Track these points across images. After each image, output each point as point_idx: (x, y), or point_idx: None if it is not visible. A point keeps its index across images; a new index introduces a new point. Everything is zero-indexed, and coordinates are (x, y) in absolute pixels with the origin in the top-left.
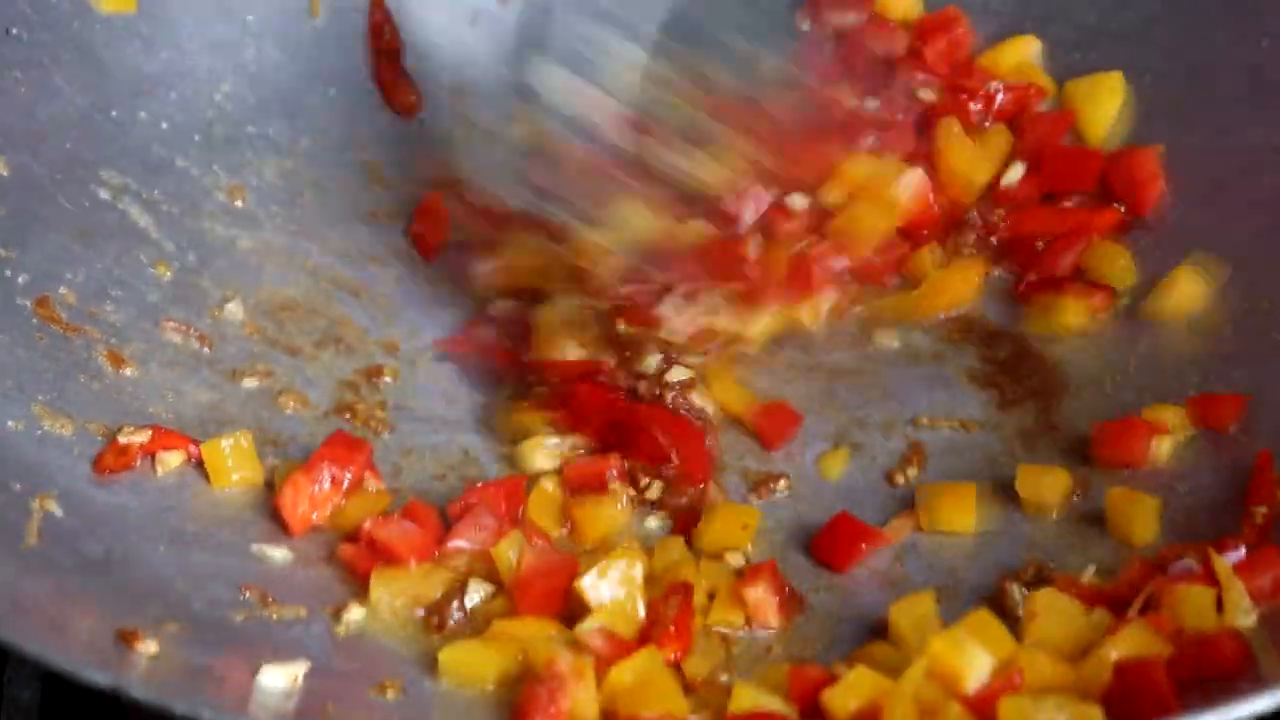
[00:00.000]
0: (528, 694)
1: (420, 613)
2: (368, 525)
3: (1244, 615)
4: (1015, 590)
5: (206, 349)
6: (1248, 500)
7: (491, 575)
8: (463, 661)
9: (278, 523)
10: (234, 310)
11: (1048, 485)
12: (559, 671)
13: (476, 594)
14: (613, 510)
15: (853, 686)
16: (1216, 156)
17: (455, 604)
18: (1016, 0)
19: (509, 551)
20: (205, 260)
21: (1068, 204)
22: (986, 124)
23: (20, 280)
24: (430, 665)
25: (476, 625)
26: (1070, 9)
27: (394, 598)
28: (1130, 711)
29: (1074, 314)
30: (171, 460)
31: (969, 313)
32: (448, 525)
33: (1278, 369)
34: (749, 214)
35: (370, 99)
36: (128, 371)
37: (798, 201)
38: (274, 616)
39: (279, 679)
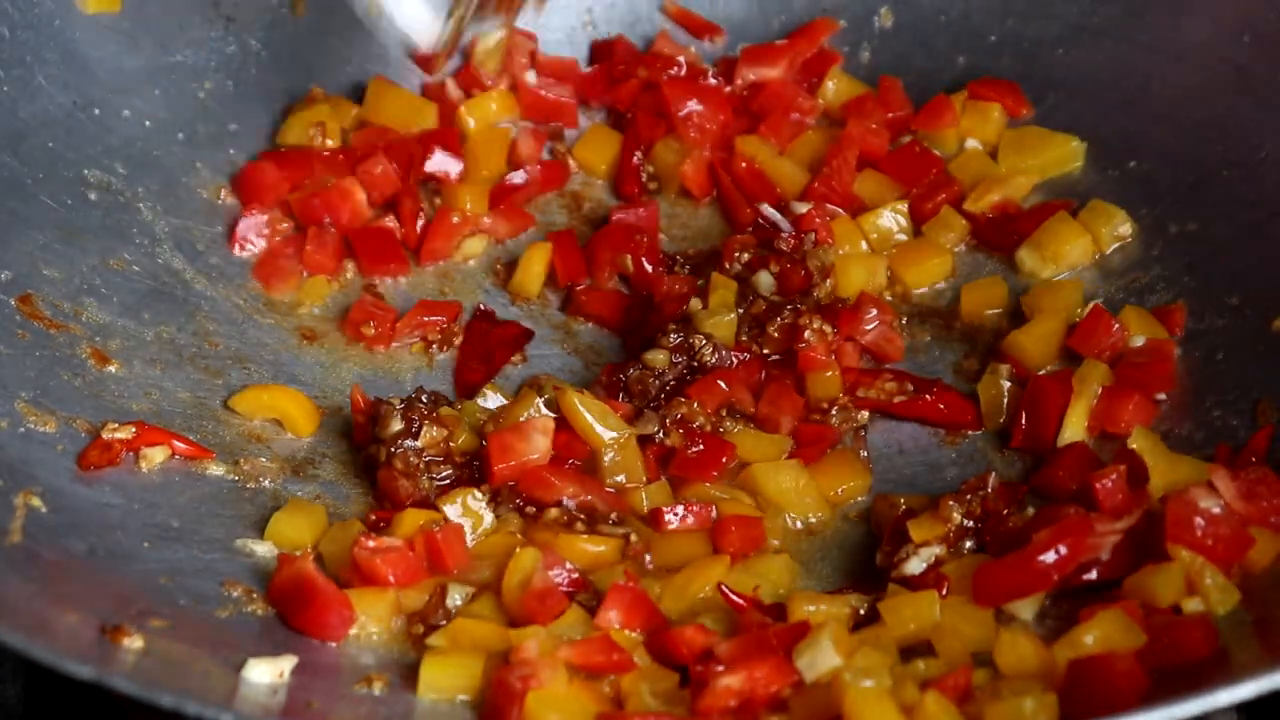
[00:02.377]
0: (498, 681)
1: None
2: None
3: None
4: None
5: (190, 346)
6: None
7: (469, 579)
8: (443, 674)
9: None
10: (218, 306)
11: None
12: (528, 657)
13: (457, 596)
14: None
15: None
16: (1201, 151)
17: (440, 611)
18: (998, 4)
19: (520, 570)
20: (189, 258)
21: None
22: None
23: (3, 277)
24: (416, 655)
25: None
26: (1051, 4)
27: (376, 618)
28: (1090, 704)
29: None
30: (155, 456)
31: None
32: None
33: (1268, 362)
34: None
35: (356, 93)
36: (111, 368)
37: None
38: (258, 612)
39: (265, 673)
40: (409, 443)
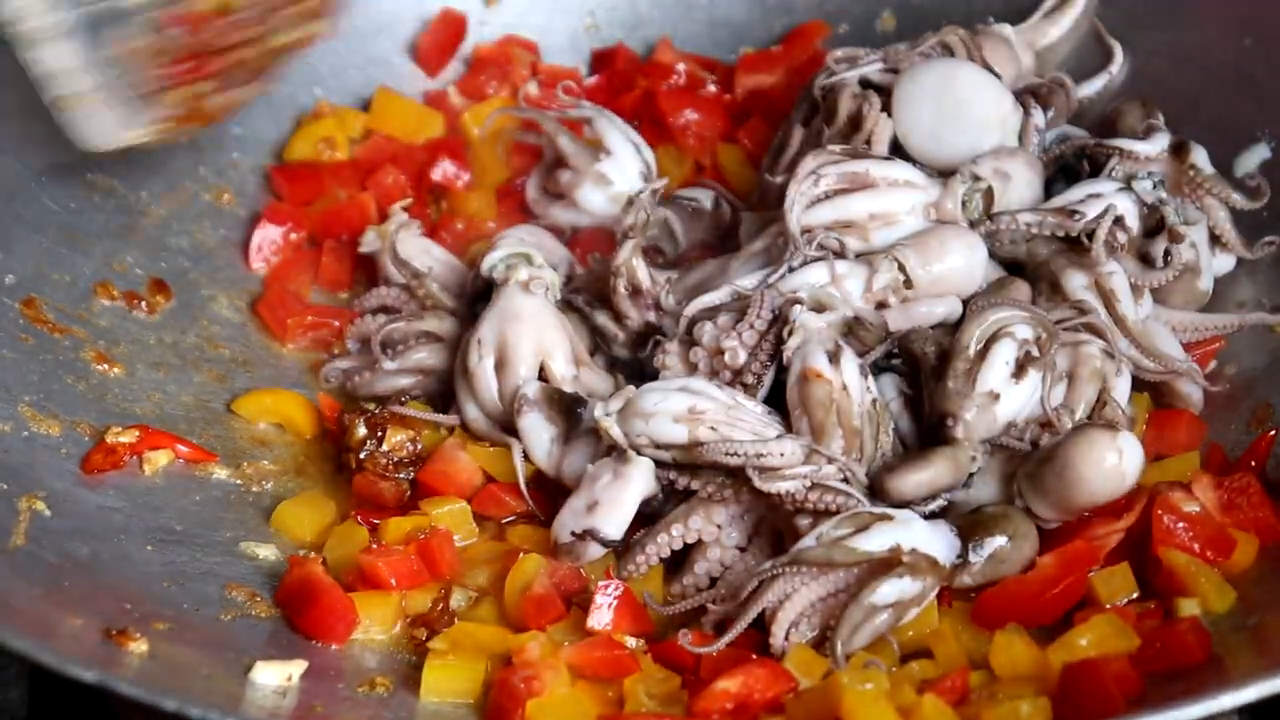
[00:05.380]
0: (500, 683)
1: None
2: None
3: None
4: None
5: (194, 349)
6: None
7: (468, 583)
8: (446, 677)
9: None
10: (222, 310)
11: None
12: (530, 659)
13: (459, 599)
14: None
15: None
16: None
17: (445, 615)
18: (1001, 9)
19: (523, 576)
20: (193, 261)
21: None
22: None
23: (7, 281)
24: (419, 658)
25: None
26: None
27: (380, 622)
28: (1083, 707)
29: None
30: (159, 460)
31: None
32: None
33: (1270, 368)
34: None
35: (359, 99)
36: (115, 372)
37: None
38: (262, 615)
39: (272, 676)
40: (374, 446)
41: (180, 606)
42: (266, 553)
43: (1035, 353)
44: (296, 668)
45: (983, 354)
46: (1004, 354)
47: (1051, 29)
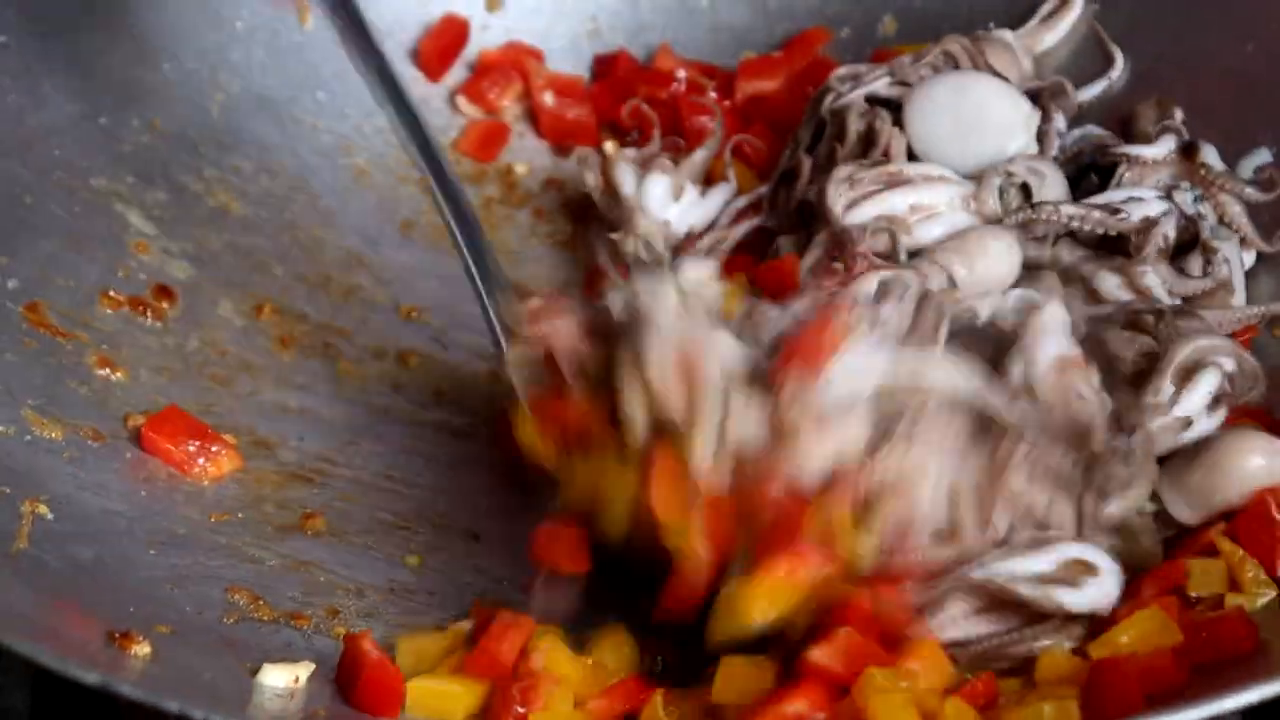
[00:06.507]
0: (499, 691)
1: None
2: None
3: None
4: None
5: (198, 354)
6: None
7: None
8: (434, 695)
9: None
10: (226, 315)
11: None
12: (532, 668)
13: None
14: None
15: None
16: None
17: None
18: (1002, 11)
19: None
20: (197, 266)
21: None
22: None
23: (10, 285)
24: None
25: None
26: None
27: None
28: (1105, 708)
29: None
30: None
31: None
32: None
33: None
34: None
35: (360, 103)
36: (118, 376)
37: None
38: (264, 618)
39: (280, 678)
40: None
41: (183, 609)
42: (269, 555)
43: (1229, 389)
44: (304, 669)
45: (1187, 378)
46: (1207, 384)
47: (1049, 34)
